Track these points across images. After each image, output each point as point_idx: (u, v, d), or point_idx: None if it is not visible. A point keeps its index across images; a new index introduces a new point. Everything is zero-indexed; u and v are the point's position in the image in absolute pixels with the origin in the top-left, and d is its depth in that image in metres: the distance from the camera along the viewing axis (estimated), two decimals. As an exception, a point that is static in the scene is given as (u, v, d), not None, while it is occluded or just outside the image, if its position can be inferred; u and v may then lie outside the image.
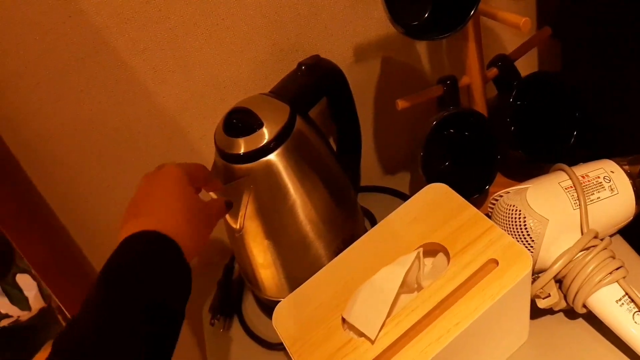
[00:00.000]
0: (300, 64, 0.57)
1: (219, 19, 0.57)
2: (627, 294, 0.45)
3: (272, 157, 0.47)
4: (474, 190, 0.59)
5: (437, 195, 0.50)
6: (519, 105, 0.60)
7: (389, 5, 0.46)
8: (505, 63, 0.59)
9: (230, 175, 0.48)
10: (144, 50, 0.56)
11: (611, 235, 0.54)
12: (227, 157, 0.48)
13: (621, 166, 0.53)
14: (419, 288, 0.44)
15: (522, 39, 0.61)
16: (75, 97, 0.56)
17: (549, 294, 0.47)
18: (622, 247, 0.55)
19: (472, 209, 0.47)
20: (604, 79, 0.63)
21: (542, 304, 0.47)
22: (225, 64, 0.60)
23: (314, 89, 0.57)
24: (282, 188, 0.49)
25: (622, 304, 0.45)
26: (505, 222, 0.49)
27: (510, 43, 0.71)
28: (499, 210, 0.51)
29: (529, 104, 0.61)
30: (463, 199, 0.49)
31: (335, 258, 0.49)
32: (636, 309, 0.44)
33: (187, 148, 0.65)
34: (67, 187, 0.63)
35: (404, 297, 0.44)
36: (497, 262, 0.42)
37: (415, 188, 0.56)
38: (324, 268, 0.48)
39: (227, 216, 0.49)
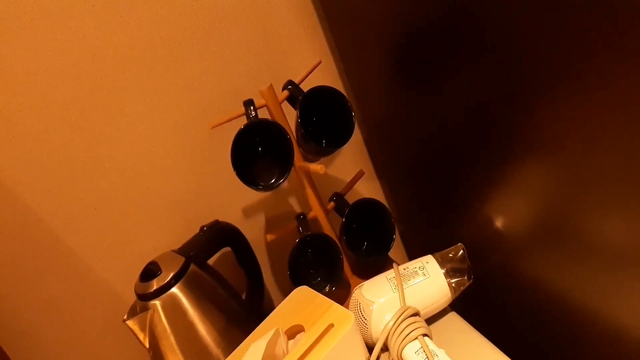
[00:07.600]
0: (202, 227, 0.82)
1: (139, 203, 0.83)
2: (421, 346, 0.63)
3: (173, 290, 0.70)
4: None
5: (302, 294, 0.72)
6: (352, 223, 0.86)
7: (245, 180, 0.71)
8: (338, 197, 0.87)
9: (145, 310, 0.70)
10: (78, 230, 0.80)
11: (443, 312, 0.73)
12: (142, 296, 0.71)
13: (437, 258, 0.71)
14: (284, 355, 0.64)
15: (348, 179, 0.90)
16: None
17: None
18: (457, 321, 0.73)
19: (321, 297, 0.69)
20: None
21: None
22: (146, 239, 0.86)
23: (213, 243, 0.81)
24: (185, 312, 0.71)
25: (418, 354, 0.61)
26: (353, 307, 0.71)
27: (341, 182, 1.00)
28: (351, 300, 0.73)
29: (360, 221, 0.88)
30: (316, 292, 0.71)
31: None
32: (426, 357, 0.60)
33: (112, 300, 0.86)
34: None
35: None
36: (333, 325, 0.64)
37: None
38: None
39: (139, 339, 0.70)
